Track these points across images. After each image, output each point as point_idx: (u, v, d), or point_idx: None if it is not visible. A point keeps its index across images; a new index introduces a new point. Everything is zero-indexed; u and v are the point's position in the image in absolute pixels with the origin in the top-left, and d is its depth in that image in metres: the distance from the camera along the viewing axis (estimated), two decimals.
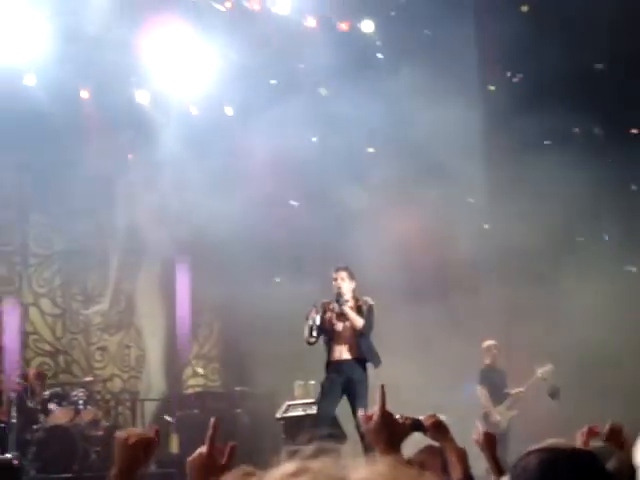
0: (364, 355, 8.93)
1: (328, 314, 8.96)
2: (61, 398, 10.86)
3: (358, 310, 8.98)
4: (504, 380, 10.85)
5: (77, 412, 10.77)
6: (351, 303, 8.99)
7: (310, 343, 8.97)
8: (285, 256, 12.73)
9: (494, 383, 10.76)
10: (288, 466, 1.47)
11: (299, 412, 10.62)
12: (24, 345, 12.77)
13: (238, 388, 11.46)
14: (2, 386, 10.81)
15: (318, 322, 8.89)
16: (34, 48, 11.15)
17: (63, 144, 12.57)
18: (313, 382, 11.42)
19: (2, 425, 10.17)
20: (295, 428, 10.44)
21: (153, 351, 13.57)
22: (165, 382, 13.51)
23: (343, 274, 9.07)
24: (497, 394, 10.71)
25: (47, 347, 12.92)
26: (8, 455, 9.60)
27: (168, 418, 11.96)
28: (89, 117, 12.39)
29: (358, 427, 8.86)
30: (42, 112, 11.95)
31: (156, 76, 12.07)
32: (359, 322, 8.90)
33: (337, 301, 8.96)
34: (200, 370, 12.94)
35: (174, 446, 11.60)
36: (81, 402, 10.84)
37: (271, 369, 11.51)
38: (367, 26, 12.11)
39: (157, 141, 12.78)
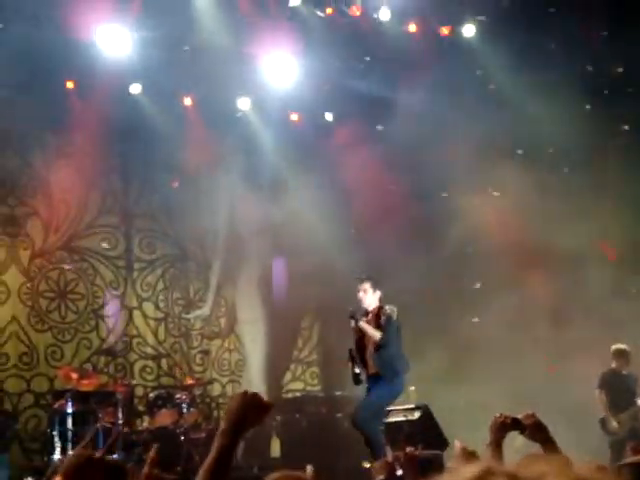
0: (378, 370, 8.88)
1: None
2: (165, 400, 11.04)
3: (377, 319, 8.89)
4: (632, 386, 10.46)
5: (181, 414, 10.92)
6: (370, 316, 8.95)
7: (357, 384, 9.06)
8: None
9: (618, 388, 10.37)
10: (472, 468, 1.45)
11: (400, 418, 10.56)
12: (128, 348, 13.01)
13: (338, 392, 11.47)
14: (109, 388, 11.03)
15: (357, 370, 8.98)
16: (139, 56, 11.36)
17: (167, 150, 12.89)
18: (413, 388, 11.38)
19: (109, 426, 10.37)
20: (396, 433, 10.40)
21: (253, 356, 13.70)
22: (265, 386, 13.62)
23: (366, 285, 9.01)
24: (621, 400, 10.34)
25: (150, 350, 13.12)
26: (115, 456, 9.77)
27: None
28: (192, 123, 12.60)
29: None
30: (146, 119, 12.26)
31: (257, 82, 12.17)
32: (376, 336, 8.80)
33: (352, 317, 8.93)
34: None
35: (275, 450, 11.67)
36: (184, 405, 11.00)
37: None
38: (468, 30, 12.02)
39: (258, 147, 12.99)
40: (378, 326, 8.84)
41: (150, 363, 13.09)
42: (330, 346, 13.12)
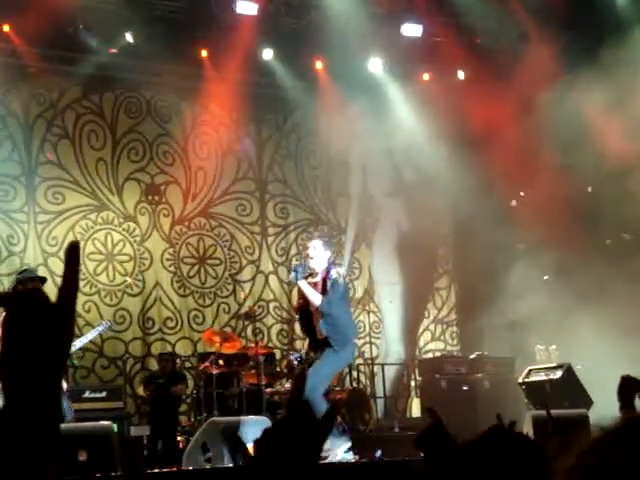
0: (326, 335, 8.08)
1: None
2: (304, 362, 11.17)
3: (324, 285, 8.09)
4: None
5: None
6: (318, 278, 8.16)
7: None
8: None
9: None
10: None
11: (541, 377, 10.47)
12: (265, 312, 13.22)
13: (478, 352, 11.43)
14: (250, 351, 11.24)
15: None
16: (271, 22, 11.47)
17: (299, 115, 13.04)
18: (554, 347, 11.26)
19: (253, 388, 10.59)
20: (538, 393, 10.33)
21: (390, 317, 13.77)
22: (403, 347, 13.69)
23: (316, 243, 8.33)
24: None
25: (285, 314, 13.30)
26: (261, 417, 9.94)
27: None
28: (323, 87, 12.67)
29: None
30: (278, 84, 12.41)
31: (389, 43, 12.13)
32: (316, 301, 8.03)
33: (294, 271, 8.22)
34: None
35: (416, 410, 11.74)
36: None
37: (510, 333, 11.42)
38: None
39: (389, 109, 12.99)
40: (324, 289, 8.10)
41: (286, 327, 13.26)
42: (468, 306, 13.09)
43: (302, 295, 8.23)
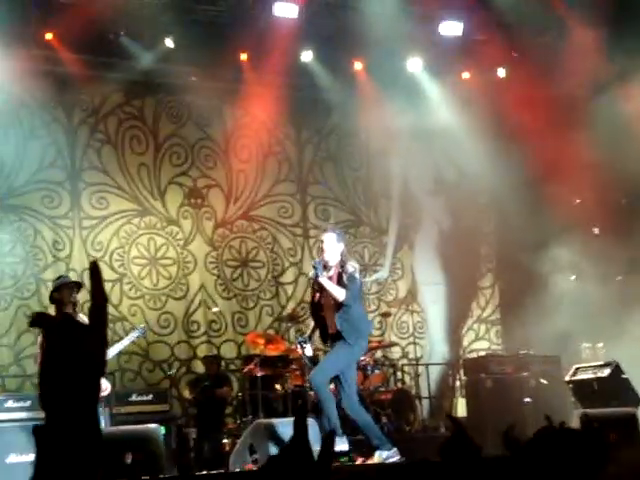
0: (340, 330, 8.05)
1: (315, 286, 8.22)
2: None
3: (339, 278, 8.09)
4: None
5: (366, 376, 11.04)
6: (332, 272, 8.13)
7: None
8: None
9: None
10: None
11: (589, 375, 10.38)
12: (308, 314, 13.21)
13: (523, 351, 11.35)
14: (294, 352, 11.26)
15: (309, 353, 8.52)
16: (310, 24, 11.51)
17: (339, 115, 13.07)
18: (601, 344, 11.16)
19: (298, 389, 10.61)
20: (585, 391, 10.24)
21: (434, 317, 13.73)
22: (447, 347, 13.65)
23: (329, 236, 8.26)
24: None
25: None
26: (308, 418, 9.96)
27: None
28: (362, 88, 12.68)
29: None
30: (318, 86, 12.44)
31: (428, 42, 12.11)
32: (340, 296, 8.00)
33: (314, 267, 8.16)
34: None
35: (461, 409, 11.68)
36: (369, 367, 11.13)
37: (556, 332, 11.31)
38: None
39: (429, 107, 12.97)
40: (339, 283, 8.07)
41: None
42: (513, 305, 13.01)
43: (317, 289, 8.20)
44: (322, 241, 8.34)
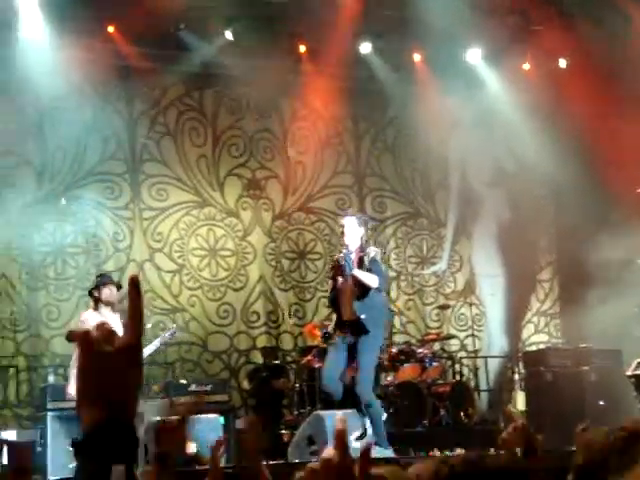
0: (359, 318, 8.02)
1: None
2: (408, 355, 11.16)
3: (360, 263, 8.06)
4: None
5: (424, 369, 11.02)
6: (353, 257, 8.09)
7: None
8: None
9: None
10: None
11: None
12: None
13: (583, 345, 11.22)
14: None
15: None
16: (368, 15, 11.47)
17: (396, 108, 13.04)
18: None
19: (353, 381, 10.60)
20: None
21: (493, 310, 13.64)
22: (506, 340, 13.56)
23: (351, 221, 8.26)
24: None
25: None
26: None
27: None
28: (421, 79, 12.62)
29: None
30: (377, 78, 12.41)
31: (488, 33, 12.01)
32: (372, 282, 7.94)
33: (339, 256, 8.18)
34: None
35: (520, 403, 11.59)
36: (427, 359, 11.10)
37: (617, 325, 11.17)
38: None
39: (489, 98, 12.87)
40: (360, 267, 8.03)
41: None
42: (573, 298, 12.86)
43: (340, 275, 8.14)
44: (342, 225, 8.33)
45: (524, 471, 2.65)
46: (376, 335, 8.16)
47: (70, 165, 11.61)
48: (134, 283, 4.44)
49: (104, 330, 4.55)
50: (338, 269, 8.20)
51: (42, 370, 10.94)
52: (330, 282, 8.60)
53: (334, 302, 8.36)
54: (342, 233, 8.29)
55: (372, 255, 8.07)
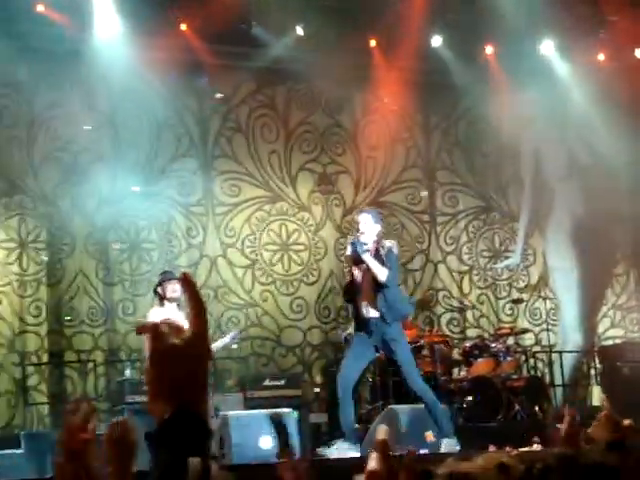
0: (381, 312, 7.88)
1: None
2: (481, 350, 11.08)
3: (376, 254, 7.91)
4: None
5: (498, 363, 10.93)
6: (370, 247, 7.94)
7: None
8: None
9: None
10: None
11: None
12: (435, 301, 13.14)
13: None
14: (425, 339, 11.21)
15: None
16: (439, 9, 11.43)
17: (468, 102, 12.94)
18: None
19: (429, 375, 10.56)
20: None
21: (567, 304, 13.48)
22: (581, 334, 13.38)
23: (367, 216, 8.10)
24: None
25: (455, 303, 13.18)
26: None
27: None
28: (494, 72, 12.51)
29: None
30: (448, 71, 12.33)
31: (561, 24, 11.87)
32: (382, 274, 7.84)
33: (352, 244, 8.01)
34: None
35: (596, 398, 11.47)
36: (501, 354, 11.01)
37: None
38: None
39: (563, 91, 12.72)
40: (376, 258, 7.91)
41: (456, 315, 13.15)
42: None
43: (356, 268, 8.03)
44: (358, 222, 8.21)
45: (616, 468, 2.62)
46: (400, 330, 8.10)
47: (144, 162, 11.74)
48: (185, 280, 4.52)
49: (171, 324, 4.61)
50: (352, 258, 8.12)
51: (119, 364, 11.10)
52: (347, 275, 8.49)
53: (350, 296, 8.26)
54: (358, 230, 8.17)
55: (388, 246, 8.00)
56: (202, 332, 4.44)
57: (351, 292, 8.20)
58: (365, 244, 8.00)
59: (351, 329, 8.41)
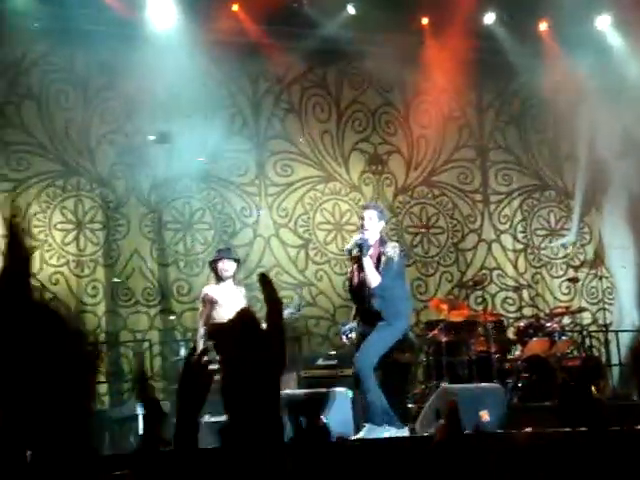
0: (378, 310, 7.78)
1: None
2: (536, 329, 11.01)
3: (378, 259, 7.79)
4: None
5: (553, 343, 10.85)
6: (372, 251, 7.83)
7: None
8: None
9: None
10: None
11: None
12: (489, 280, 13.05)
13: None
14: (479, 318, 11.15)
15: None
16: None
17: (522, 80, 12.83)
18: None
19: (483, 355, 10.52)
20: None
21: (624, 282, 13.31)
22: (638, 313, 13.22)
23: (371, 213, 7.95)
24: None
25: (510, 282, 13.10)
26: (494, 385, 9.81)
27: None
28: (548, 49, 12.37)
29: None
30: (500, 49, 12.22)
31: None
32: (373, 282, 7.75)
33: (359, 245, 7.87)
34: None
35: None
36: (556, 333, 10.92)
37: None
38: None
39: (620, 67, 12.53)
40: (377, 263, 7.84)
41: (511, 294, 13.07)
42: None
43: (358, 267, 7.99)
44: (362, 217, 8.10)
45: None
46: (392, 324, 7.95)
47: (197, 143, 11.73)
48: (263, 280, 4.53)
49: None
50: (354, 256, 8.09)
51: (174, 344, 11.23)
52: (350, 270, 8.39)
53: (358, 295, 8.15)
54: (362, 225, 8.06)
55: (389, 254, 7.89)
56: (276, 332, 4.43)
57: (357, 290, 8.15)
58: (366, 239, 7.94)
59: (352, 324, 8.28)
